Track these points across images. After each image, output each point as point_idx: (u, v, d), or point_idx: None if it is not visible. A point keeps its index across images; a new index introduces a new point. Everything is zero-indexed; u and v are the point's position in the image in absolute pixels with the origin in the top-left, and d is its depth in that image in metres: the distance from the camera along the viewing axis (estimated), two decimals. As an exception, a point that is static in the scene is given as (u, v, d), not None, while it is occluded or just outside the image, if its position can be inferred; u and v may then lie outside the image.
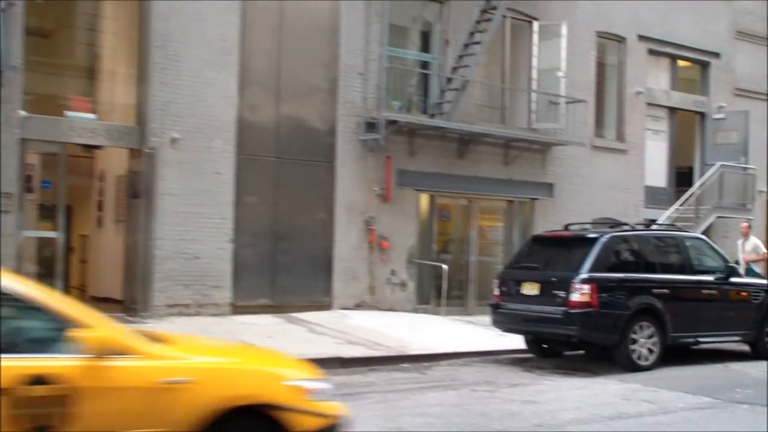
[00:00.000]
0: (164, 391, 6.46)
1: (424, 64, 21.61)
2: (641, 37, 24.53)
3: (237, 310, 17.79)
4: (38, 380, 6.05)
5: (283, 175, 18.65)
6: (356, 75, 19.53)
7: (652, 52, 25.01)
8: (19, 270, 15.59)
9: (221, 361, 7.26)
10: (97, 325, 6.48)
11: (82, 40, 18.43)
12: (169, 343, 7.13)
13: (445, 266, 20.16)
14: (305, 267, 18.94)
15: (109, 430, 6.29)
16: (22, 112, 15.82)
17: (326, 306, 18.97)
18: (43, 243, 17.26)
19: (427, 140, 20.32)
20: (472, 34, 20.67)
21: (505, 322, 15.44)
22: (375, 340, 15.59)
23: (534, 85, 22.47)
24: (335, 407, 7.32)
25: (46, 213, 17.64)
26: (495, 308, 15.44)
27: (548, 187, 22.57)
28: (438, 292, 20.40)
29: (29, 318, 6.43)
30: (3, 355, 5.99)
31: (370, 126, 19.36)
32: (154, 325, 16.02)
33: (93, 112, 17.19)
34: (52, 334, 6.36)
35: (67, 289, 17.41)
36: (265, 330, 16.28)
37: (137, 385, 6.44)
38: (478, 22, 20.63)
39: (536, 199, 22.43)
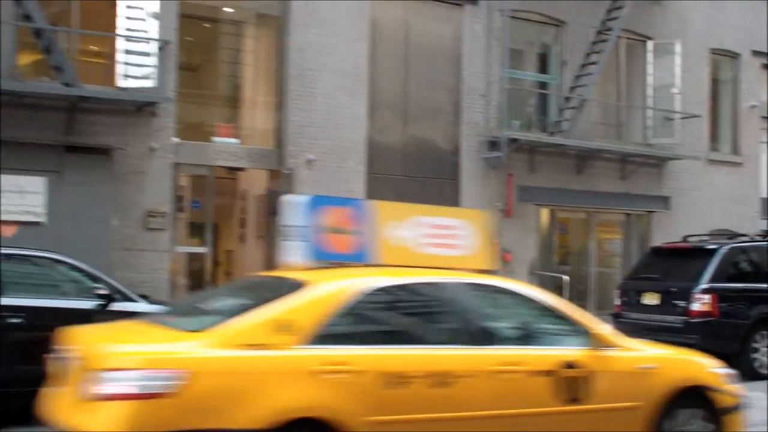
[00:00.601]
0: (640, 374, 8.01)
1: (542, 85, 21.78)
2: (755, 53, 24.18)
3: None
4: (570, 365, 7.67)
5: (410, 193, 19.01)
6: (478, 97, 19.85)
7: (765, 66, 24.61)
8: (172, 282, 16.46)
9: (669, 353, 8.74)
10: (594, 326, 8.13)
11: (227, 73, 19.21)
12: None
13: (565, 277, 20.24)
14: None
15: (610, 403, 7.80)
16: (175, 139, 16.63)
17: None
18: (193, 257, 18.06)
19: (547, 157, 20.48)
20: (588, 54, 20.77)
21: (626, 331, 15.43)
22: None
23: (649, 102, 22.42)
24: (739, 389, 8.69)
25: (196, 230, 18.43)
26: (616, 317, 15.49)
27: (664, 201, 22.44)
28: (559, 302, 20.44)
29: (559, 321, 8.08)
30: (550, 347, 7.85)
31: (492, 145, 19.65)
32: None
33: (236, 137, 17.92)
34: (572, 331, 8.00)
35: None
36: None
37: (624, 369, 7.99)
38: (594, 43, 20.74)
39: (653, 212, 22.32)
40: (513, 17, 19.96)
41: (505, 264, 19.88)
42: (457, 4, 19.82)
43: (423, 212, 9.13)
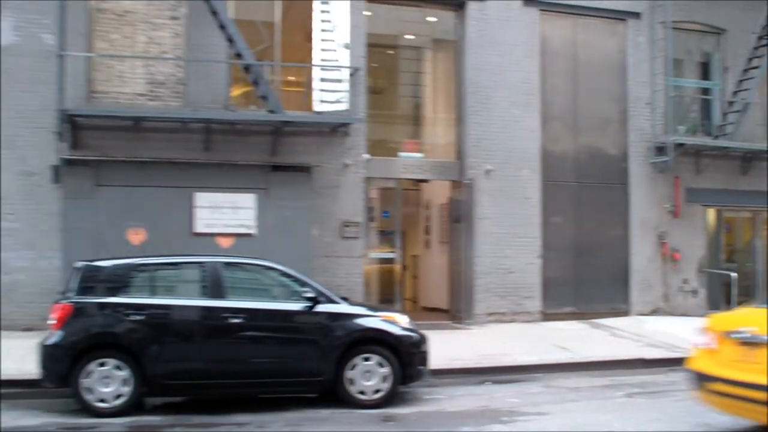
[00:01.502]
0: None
1: (705, 91, 21.14)
2: None
3: (546, 317, 18.22)
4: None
5: (582, 197, 18.94)
6: (644, 105, 19.51)
7: None
8: (366, 285, 16.91)
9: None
10: None
11: (409, 94, 19.63)
12: None
13: (733, 274, 19.61)
14: (605, 278, 19.10)
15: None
16: (366, 156, 17.12)
17: (624, 312, 19.00)
18: (384, 262, 18.49)
19: (712, 160, 19.90)
20: (750, 59, 20.03)
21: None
22: (672, 342, 15.47)
23: (813, 103, 21.37)
24: None
25: (385, 238, 18.89)
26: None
27: (829, 198, 21.36)
28: (727, 298, 19.82)
29: None
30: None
31: (659, 150, 19.27)
32: (476, 331, 16.83)
33: (420, 151, 18.28)
34: None
35: (402, 301, 18.53)
36: (573, 334, 16.59)
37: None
38: (755, 48, 19.98)
39: (819, 209, 21.28)
40: (675, 28, 19.49)
41: (674, 262, 19.45)
42: (620, 19, 19.55)
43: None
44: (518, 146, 18.29)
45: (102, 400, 10.01)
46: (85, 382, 10.01)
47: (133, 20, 16.06)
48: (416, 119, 19.50)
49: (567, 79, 19.10)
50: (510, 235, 18.07)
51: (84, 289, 10.53)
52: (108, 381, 10.04)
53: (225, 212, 15.84)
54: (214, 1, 15.41)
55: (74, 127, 15.33)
